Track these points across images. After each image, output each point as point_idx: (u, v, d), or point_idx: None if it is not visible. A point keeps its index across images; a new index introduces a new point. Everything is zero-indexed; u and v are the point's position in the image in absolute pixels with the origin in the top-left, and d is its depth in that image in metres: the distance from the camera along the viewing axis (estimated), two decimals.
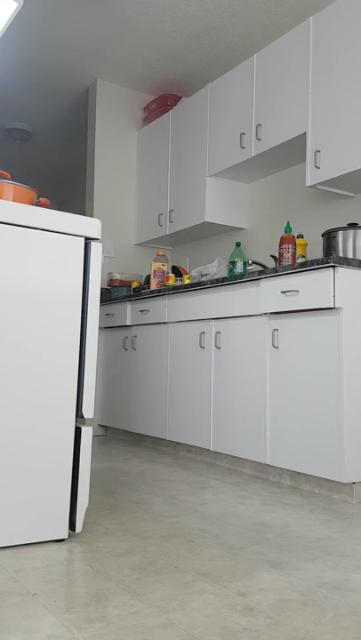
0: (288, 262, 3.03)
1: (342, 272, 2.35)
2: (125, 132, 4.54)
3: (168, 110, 4.30)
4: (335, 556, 1.66)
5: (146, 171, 4.42)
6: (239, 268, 3.36)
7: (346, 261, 2.35)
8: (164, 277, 3.81)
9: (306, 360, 2.47)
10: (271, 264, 3.59)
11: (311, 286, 2.43)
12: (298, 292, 2.50)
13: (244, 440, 2.77)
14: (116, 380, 3.92)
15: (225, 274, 3.57)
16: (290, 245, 3.04)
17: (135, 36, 3.78)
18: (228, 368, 2.92)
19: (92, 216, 4.37)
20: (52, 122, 5.17)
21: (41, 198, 2.05)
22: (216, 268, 3.58)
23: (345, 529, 1.93)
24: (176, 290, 3.28)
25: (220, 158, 3.58)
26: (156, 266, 3.81)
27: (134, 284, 4.05)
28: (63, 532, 1.73)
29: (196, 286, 3.12)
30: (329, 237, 2.78)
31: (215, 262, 3.58)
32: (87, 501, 1.78)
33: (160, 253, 3.92)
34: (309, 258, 3.32)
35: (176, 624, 1.20)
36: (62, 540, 1.74)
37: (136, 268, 4.52)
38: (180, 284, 3.27)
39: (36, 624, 1.19)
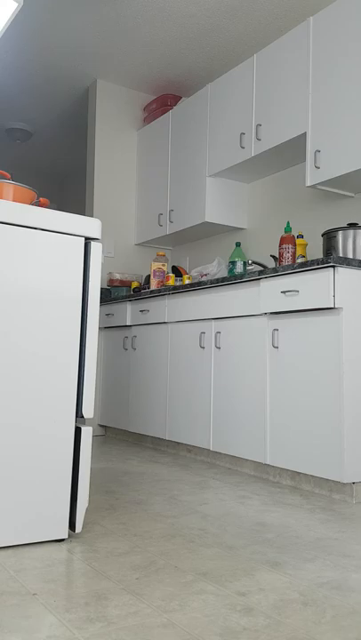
0: (288, 262, 3.04)
1: (342, 272, 2.36)
2: (125, 132, 4.54)
3: (168, 110, 4.30)
4: (335, 556, 1.66)
5: (146, 171, 4.42)
6: (239, 268, 3.36)
7: (346, 261, 2.35)
8: (164, 277, 3.81)
9: (306, 360, 2.47)
10: (271, 264, 3.59)
11: (311, 286, 2.43)
12: (298, 291, 2.50)
13: (244, 440, 2.77)
14: (116, 380, 3.92)
15: (225, 274, 3.57)
16: (290, 245, 3.04)
17: (135, 36, 3.78)
18: (228, 368, 2.92)
19: (92, 216, 4.37)
20: (52, 122, 5.17)
21: (41, 198, 2.05)
22: (216, 268, 3.58)
23: (345, 529, 1.93)
24: (176, 290, 3.28)
25: (220, 158, 3.58)
26: (156, 266, 3.81)
27: (134, 284, 4.05)
28: (63, 531, 1.73)
29: (196, 286, 3.12)
30: (329, 237, 2.78)
31: (215, 262, 3.58)
32: (87, 501, 1.78)
33: (160, 253, 3.92)
34: (309, 258, 3.32)
35: (176, 624, 1.20)
36: (62, 540, 1.74)
37: (136, 268, 4.52)
38: (180, 284, 3.27)
39: (36, 624, 1.19)
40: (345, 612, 1.29)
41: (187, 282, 3.55)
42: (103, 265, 4.38)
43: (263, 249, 3.70)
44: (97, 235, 1.84)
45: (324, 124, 2.85)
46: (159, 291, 3.44)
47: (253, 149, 3.29)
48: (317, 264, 2.38)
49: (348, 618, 1.26)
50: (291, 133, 3.03)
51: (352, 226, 2.73)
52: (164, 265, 3.83)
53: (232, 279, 2.86)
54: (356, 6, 2.71)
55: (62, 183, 6.75)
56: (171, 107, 4.35)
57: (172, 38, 3.79)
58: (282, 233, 3.57)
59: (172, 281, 3.73)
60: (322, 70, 2.88)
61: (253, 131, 3.30)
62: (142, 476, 2.73)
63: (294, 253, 3.05)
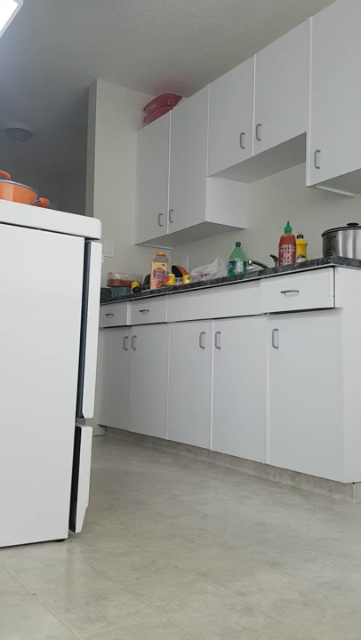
0: (288, 262, 3.04)
1: (342, 272, 2.36)
2: (125, 132, 4.54)
3: (168, 110, 4.30)
4: (335, 556, 1.66)
5: (146, 171, 4.42)
6: (239, 268, 3.36)
7: (346, 261, 2.35)
8: (164, 277, 3.81)
9: (306, 360, 2.47)
10: (271, 264, 3.59)
11: (311, 286, 2.43)
12: (298, 291, 2.50)
13: (244, 440, 2.77)
14: (116, 380, 3.92)
15: (225, 274, 3.57)
16: (290, 245, 3.04)
17: (135, 36, 3.78)
18: (228, 368, 2.92)
19: (92, 216, 4.37)
20: (52, 122, 5.17)
21: (41, 198, 2.05)
22: (216, 268, 3.58)
23: (345, 529, 1.93)
24: (176, 290, 3.28)
25: (220, 158, 3.58)
26: (156, 266, 3.81)
27: (134, 284, 4.05)
28: (63, 531, 1.73)
29: (196, 286, 3.12)
30: (329, 237, 2.78)
31: (215, 262, 3.58)
32: (87, 501, 1.78)
33: (160, 253, 3.92)
34: (309, 258, 3.32)
35: (176, 624, 1.20)
36: (62, 540, 1.74)
37: (136, 268, 4.52)
38: (180, 284, 3.27)
39: (36, 624, 1.19)
40: (345, 611, 1.29)
41: (187, 282, 3.55)
42: (103, 265, 4.38)
43: (263, 249, 3.70)
44: (97, 235, 1.84)
45: (324, 124, 2.85)
46: (159, 291, 3.44)
47: (253, 149, 3.29)
48: (317, 264, 2.38)
49: (348, 618, 1.26)
50: (291, 133, 3.03)
51: (352, 226, 2.73)
52: (164, 265, 3.83)
53: (232, 279, 2.86)
54: (356, 6, 2.71)
55: (62, 183, 6.75)
56: (171, 107, 4.35)
57: (172, 38, 3.79)
58: (282, 233, 3.57)
59: (172, 281, 3.73)
60: (322, 70, 2.88)
61: (253, 131, 3.30)
62: (142, 476, 2.73)
63: (294, 253, 3.05)
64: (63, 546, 1.70)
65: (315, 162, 2.87)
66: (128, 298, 3.75)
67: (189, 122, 3.91)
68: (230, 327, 2.92)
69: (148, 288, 3.93)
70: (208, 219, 3.68)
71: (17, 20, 3.64)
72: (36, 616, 1.23)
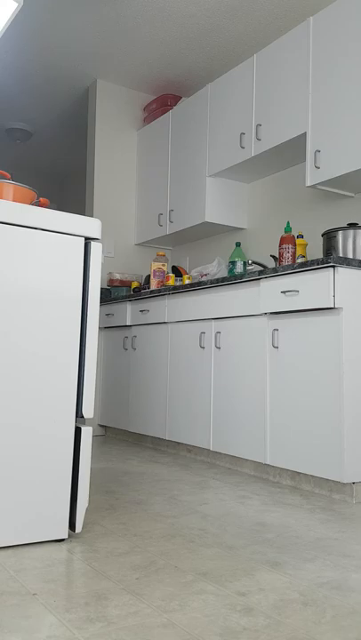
0: (288, 262, 3.04)
1: (342, 272, 2.36)
2: (125, 132, 4.54)
3: (168, 110, 4.30)
4: (335, 556, 1.66)
5: (146, 171, 4.42)
6: (239, 268, 3.36)
7: (346, 261, 2.35)
8: (164, 277, 3.81)
9: (306, 360, 2.47)
10: (271, 264, 3.59)
11: (311, 286, 2.43)
12: (298, 291, 2.50)
13: (244, 440, 2.77)
14: (116, 380, 3.92)
15: (225, 274, 3.57)
16: (290, 245, 3.04)
17: (135, 36, 3.78)
18: (228, 368, 2.92)
19: (92, 216, 4.37)
20: (52, 122, 5.17)
21: (41, 198, 2.05)
22: (216, 268, 3.58)
23: (345, 529, 1.93)
24: (176, 290, 3.28)
25: (220, 158, 3.58)
26: (156, 266, 3.81)
27: (134, 284, 4.05)
28: (63, 531, 1.73)
29: (196, 286, 3.12)
30: (329, 237, 2.78)
31: (215, 262, 3.58)
32: (87, 501, 1.78)
33: (160, 253, 3.92)
34: (309, 258, 3.32)
35: (176, 624, 1.20)
36: (62, 540, 1.74)
37: (136, 268, 4.52)
38: (180, 284, 3.27)
39: (36, 624, 1.19)
40: (345, 611, 1.29)
41: (187, 282, 3.55)
42: (103, 265, 4.38)
43: (263, 249, 3.70)
44: (97, 235, 1.84)
45: (324, 124, 2.85)
46: (159, 291, 3.44)
47: (253, 149, 3.29)
48: (317, 264, 2.38)
49: (349, 618, 1.26)
50: (291, 133, 3.03)
51: (352, 226, 2.73)
52: (164, 265, 3.83)
53: (232, 279, 2.86)
54: (356, 6, 2.71)
55: (62, 183, 6.75)
56: (171, 107, 4.35)
57: (172, 38, 3.79)
58: (282, 233, 3.57)
59: (172, 281, 3.73)
60: (322, 70, 2.88)
61: (253, 131, 3.30)
62: (142, 476, 2.74)
63: (294, 253, 3.05)
64: (63, 546, 1.70)
65: (315, 162, 2.87)
66: (128, 298, 3.75)
67: (189, 122, 3.91)
68: (230, 327, 2.92)
69: (148, 288, 3.93)
70: (208, 219, 3.68)
71: (17, 20, 3.64)
72: (36, 616, 1.23)
